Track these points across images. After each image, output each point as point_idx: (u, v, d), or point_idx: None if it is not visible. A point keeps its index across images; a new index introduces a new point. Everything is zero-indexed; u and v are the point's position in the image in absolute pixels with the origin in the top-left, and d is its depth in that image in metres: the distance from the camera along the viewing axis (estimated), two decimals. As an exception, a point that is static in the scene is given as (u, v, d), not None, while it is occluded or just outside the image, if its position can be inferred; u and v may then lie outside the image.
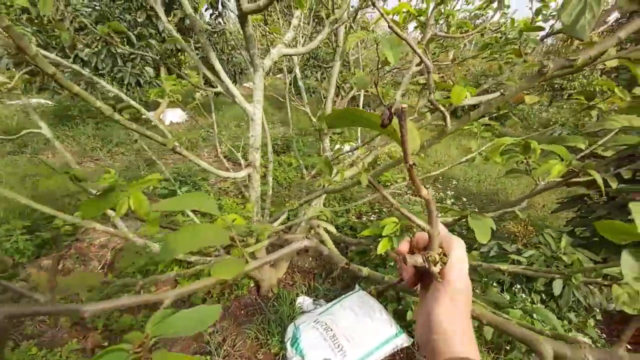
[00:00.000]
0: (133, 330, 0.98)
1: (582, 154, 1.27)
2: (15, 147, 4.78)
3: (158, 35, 5.71)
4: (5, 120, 5.49)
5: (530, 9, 1.85)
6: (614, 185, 1.24)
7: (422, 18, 1.87)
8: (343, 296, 2.13)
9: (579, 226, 2.33)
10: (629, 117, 0.83)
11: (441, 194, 3.27)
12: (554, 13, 1.82)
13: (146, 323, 0.40)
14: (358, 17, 2.44)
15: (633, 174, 1.86)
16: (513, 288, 1.87)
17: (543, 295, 1.89)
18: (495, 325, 0.63)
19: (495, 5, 2.12)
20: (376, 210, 2.87)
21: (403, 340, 1.87)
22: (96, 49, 5.00)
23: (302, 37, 3.00)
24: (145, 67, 5.40)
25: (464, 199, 3.24)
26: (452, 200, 3.12)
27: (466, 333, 0.38)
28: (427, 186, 0.34)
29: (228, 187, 4.05)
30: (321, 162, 1.29)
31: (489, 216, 1.38)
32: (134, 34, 5.76)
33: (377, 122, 0.30)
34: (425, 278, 0.44)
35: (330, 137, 2.04)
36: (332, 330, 1.82)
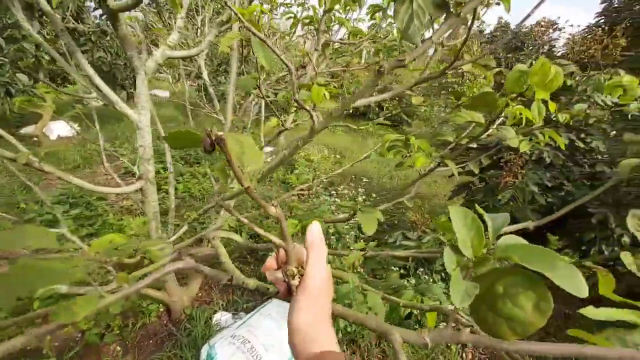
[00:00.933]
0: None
1: (452, 145, 1.45)
2: None
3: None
4: None
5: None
6: (475, 170, 1.43)
7: (315, 25, 1.93)
8: (262, 305, 2.07)
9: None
10: (471, 113, 0.97)
11: (353, 192, 3.45)
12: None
13: None
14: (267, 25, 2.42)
15: (497, 161, 2.21)
16: (417, 272, 2.05)
17: (443, 274, 2.11)
18: (355, 321, 0.68)
19: (380, 14, 2.31)
20: (289, 211, 2.89)
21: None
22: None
23: (201, 37, 2.86)
24: (17, 74, 4.55)
25: (374, 195, 3.47)
26: (364, 197, 3.31)
27: (323, 334, 0.41)
28: (275, 204, 0.35)
29: (132, 205, 3.64)
30: (218, 170, 1.23)
31: (381, 209, 1.48)
32: (2, 37, 4.82)
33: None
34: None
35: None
36: (249, 342, 1.75)
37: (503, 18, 18.24)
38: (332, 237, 2.46)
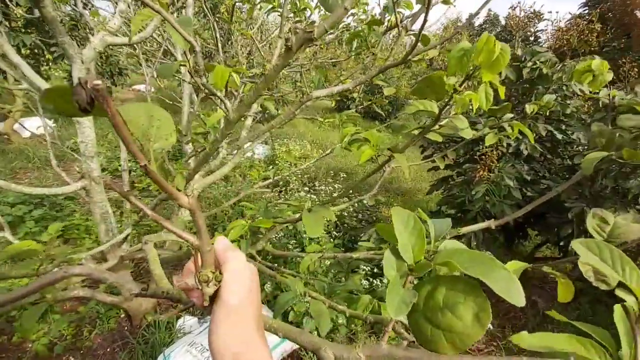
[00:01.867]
0: None
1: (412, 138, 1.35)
2: None
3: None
4: None
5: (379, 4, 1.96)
6: (441, 165, 1.34)
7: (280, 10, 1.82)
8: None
9: (444, 204, 2.60)
10: (422, 102, 0.87)
11: (330, 187, 3.35)
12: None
13: None
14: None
15: (470, 154, 2.13)
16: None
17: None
18: (288, 336, 0.59)
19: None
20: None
21: (291, 344, 1.81)
22: None
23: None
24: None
25: (351, 192, 3.38)
26: (340, 193, 3.23)
27: (247, 353, 0.34)
28: (189, 194, 0.27)
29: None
30: (157, 167, 1.11)
31: (341, 207, 1.38)
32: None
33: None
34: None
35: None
36: (208, 350, 1.65)
37: (492, 10, 18.25)
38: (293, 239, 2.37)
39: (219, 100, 0.64)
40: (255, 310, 0.37)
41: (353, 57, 2.25)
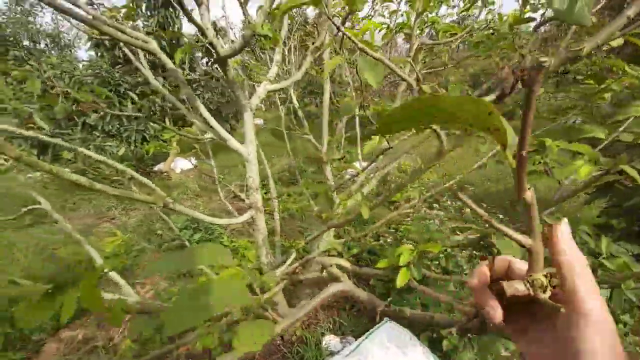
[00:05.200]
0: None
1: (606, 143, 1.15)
2: (34, 218, 4.92)
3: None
4: (24, 193, 5.69)
5: (517, 1, 1.79)
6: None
7: (406, 30, 1.83)
8: (371, 330, 1.96)
9: (613, 217, 2.13)
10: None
11: (459, 203, 3.10)
12: (542, 1, 1.75)
13: None
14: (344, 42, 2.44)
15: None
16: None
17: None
18: None
19: (479, 3, 2.07)
20: (393, 229, 2.73)
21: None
22: (102, 113, 5.20)
23: (292, 66, 3.01)
24: (149, 123, 5.58)
25: (485, 204, 3.05)
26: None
27: None
28: (529, 187, 0.25)
29: (243, 226, 4.00)
30: (321, 196, 1.20)
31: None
32: (136, 93, 6.02)
33: (471, 109, 0.22)
34: (516, 310, 0.34)
35: (332, 164, 1.97)
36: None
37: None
38: (440, 255, 2.23)
39: (436, 134, 0.65)
40: (613, 323, 0.30)
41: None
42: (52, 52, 17.02)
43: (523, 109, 0.23)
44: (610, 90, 1.28)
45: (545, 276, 0.31)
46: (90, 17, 1.29)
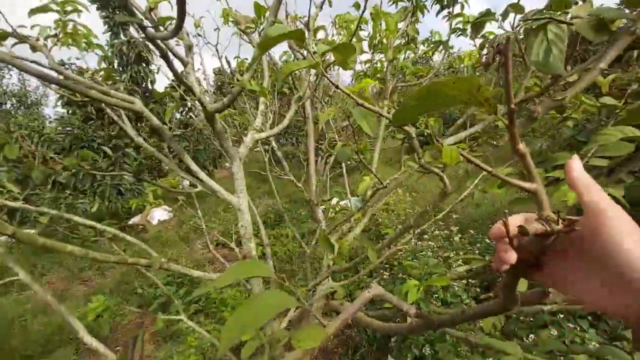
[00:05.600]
0: None
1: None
2: (2, 288, 4.50)
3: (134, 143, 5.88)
4: (-14, 263, 5.24)
5: (474, 45, 1.99)
6: (619, 194, 1.19)
7: (380, 75, 1.96)
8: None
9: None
10: (622, 129, 0.80)
11: (446, 231, 3.17)
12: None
13: None
14: (321, 88, 2.57)
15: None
16: (556, 317, 1.70)
17: (589, 317, 1.73)
18: None
19: (441, 47, 2.27)
20: (386, 265, 2.72)
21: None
22: (74, 170, 5.04)
23: (272, 113, 3.10)
24: (125, 177, 5.44)
25: (472, 231, 3.13)
26: (459, 235, 3.00)
27: None
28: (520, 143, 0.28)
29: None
30: (321, 241, 1.20)
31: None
32: (109, 147, 5.91)
33: (465, 88, 0.28)
34: (539, 255, 0.35)
35: (322, 205, 1.99)
36: None
37: None
38: (439, 288, 2.22)
39: (439, 176, 0.69)
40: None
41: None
42: (19, 111, 16.63)
43: (503, 72, 0.27)
44: (572, 118, 1.41)
45: (554, 212, 0.33)
46: (73, 82, 1.30)
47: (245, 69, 1.29)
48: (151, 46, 1.11)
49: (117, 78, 6.96)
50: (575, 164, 0.33)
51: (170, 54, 1.28)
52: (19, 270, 1.37)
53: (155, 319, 3.01)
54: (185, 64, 1.36)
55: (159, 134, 1.52)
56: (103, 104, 1.44)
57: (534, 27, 0.56)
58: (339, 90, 0.82)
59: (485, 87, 0.28)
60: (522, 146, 0.31)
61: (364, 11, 1.42)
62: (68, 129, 5.30)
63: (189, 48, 1.37)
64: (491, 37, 1.89)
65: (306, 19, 1.91)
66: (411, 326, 0.83)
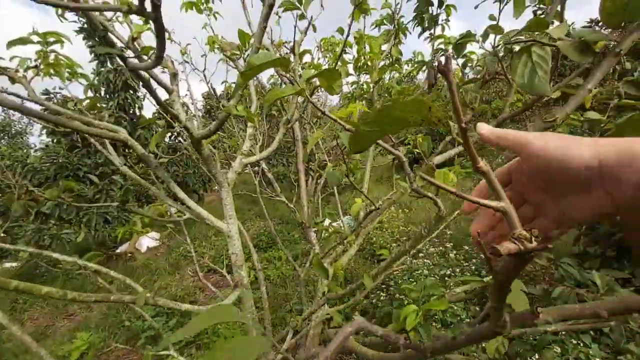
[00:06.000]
0: None
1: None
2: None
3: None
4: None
5: (457, 64, 2.04)
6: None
7: (367, 96, 1.98)
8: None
9: (589, 245, 2.24)
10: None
11: (441, 248, 3.14)
12: (479, 65, 2.00)
13: None
14: (310, 109, 2.59)
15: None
16: (558, 336, 1.66)
17: (591, 332, 1.70)
18: None
19: (424, 68, 2.32)
20: (383, 286, 2.65)
21: None
22: (57, 200, 4.90)
23: (261, 135, 3.10)
24: (112, 204, 5.31)
25: (466, 247, 3.10)
26: (454, 252, 2.97)
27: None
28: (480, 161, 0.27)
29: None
30: (315, 266, 1.16)
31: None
32: (95, 175, 5.80)
33: (415, 109, 0.29)
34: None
35: (315, 227, 1.95)
36: None
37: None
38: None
39: (433, 201, 0.67)
40: None
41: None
42: (2, 141, 16.33)
43: (449, 90, 0.26)
44: (557, 131, 1.44)
45: (526, 230, 0.31)
46: (55, 114, 1.27)
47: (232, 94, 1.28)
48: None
49: (104, 105, 6.93)
50: (483, 128, 0.34)
51: (155, 82, 1.26)
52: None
53: (143, 356, 2.85)
54: (170, 92, 1.35)
55: (145, 162, 1.48)
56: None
57: (517, 49, 0.56)
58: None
59: (436, 107, 0.29)
60: (482, 164, 0.30)
61: (347, 35, 1.45)
62: (53, 157, 5.19)
63: (174, 76, 1.36)
64: (472, 56, 1.94)
65: (291, 44, 1.94)
66: (404, 356, 0.79)
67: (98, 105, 2.01)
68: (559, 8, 1.14)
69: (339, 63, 1.50)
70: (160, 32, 0.64)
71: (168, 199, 1.61)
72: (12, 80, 1.32)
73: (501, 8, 1.23)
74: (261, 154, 1.61)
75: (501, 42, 1.07)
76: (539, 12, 1.45)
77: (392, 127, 0.32)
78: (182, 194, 1.52)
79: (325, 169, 1.11)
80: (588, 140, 0.29)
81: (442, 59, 0.26)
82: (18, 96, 1.30)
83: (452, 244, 3.17)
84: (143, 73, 0.93)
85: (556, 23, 0.91)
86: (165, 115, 2.25)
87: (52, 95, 6.04)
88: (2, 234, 4.62)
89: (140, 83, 1.00)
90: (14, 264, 5.88)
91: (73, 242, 5.18)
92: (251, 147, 1.65)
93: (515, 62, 0.54)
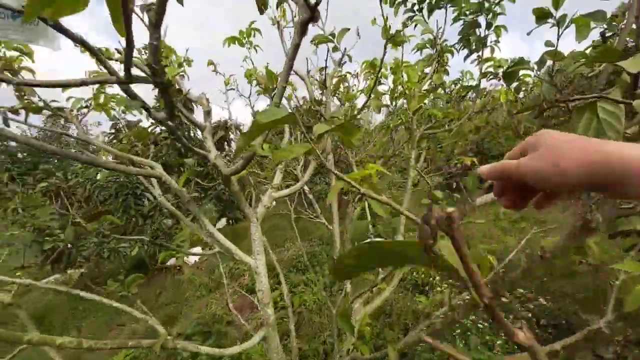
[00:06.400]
0: None
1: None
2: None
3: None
4: (34, 305, 5.54)
5: (509, 87, 1.85)
6: None
7: (406, 124, 1.87)
8: None
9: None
10: None
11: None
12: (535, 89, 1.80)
13: None
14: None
15: None
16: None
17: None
18: None
19: (471, 93, 2.15)
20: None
21: None
22: (118, 216, 5.33)
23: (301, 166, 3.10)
24: (163, 220, 5.66)
25: (521, 290, 2.71)
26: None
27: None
28: (519, 324, 0.21)
29: (255, 328, 3.67)
30: (340, 319, 1.06)
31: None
32: (150, 193, 6.26)
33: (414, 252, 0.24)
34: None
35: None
36: None
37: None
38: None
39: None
40: None
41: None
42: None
43: (456, 251, 0.22)
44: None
45: None
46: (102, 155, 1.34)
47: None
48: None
49: (156, 131, 7.48)
50: (483, 169, 0.39)
51: (187, 120, 1.29)
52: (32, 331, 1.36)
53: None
54: (202, 129, 1.37)
55: (178, 196, 1.51)
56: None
57: (578, 105, 0.44)
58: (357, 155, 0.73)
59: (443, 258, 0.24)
60: (522, 337, 0.24)
61: (380, 68, 1.37)
62: (115, 177, 5.71)
63: (208, 113, 1.38)
64: (527, 79, 1.74)
65: (329, 70, 1.91)
66: None
67: (149, 130, 2.13)
68: (634, 26, 0.96)
69: (372, 95, 1.42)
70: (166, 94, 0.62)
71: (201, 230, 1.62)
72: (66, 119, 1.44)
73: (560, 33, 1.07)
74: (291, 189, 1.57)
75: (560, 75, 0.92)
76: (608, 32, 1.25)
77: (380, 261, 0.29)
78: (211, 228, 1.52)
79: (353, 217, 1.03)
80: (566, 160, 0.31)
81: (442, 214, 0.18)
82: (69, 135, 1.42)
83: (507, 282, 2.81)
84: (169, 123, 0.94)
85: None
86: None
87: (117, 122, 6.70)
88: (69, 246, 5.13)
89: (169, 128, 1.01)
90: (80, 270, 6.49)
91: (128, 255, 5.58)
92: (283, 178, 1.61)
93: (575, 121, 0.42)
